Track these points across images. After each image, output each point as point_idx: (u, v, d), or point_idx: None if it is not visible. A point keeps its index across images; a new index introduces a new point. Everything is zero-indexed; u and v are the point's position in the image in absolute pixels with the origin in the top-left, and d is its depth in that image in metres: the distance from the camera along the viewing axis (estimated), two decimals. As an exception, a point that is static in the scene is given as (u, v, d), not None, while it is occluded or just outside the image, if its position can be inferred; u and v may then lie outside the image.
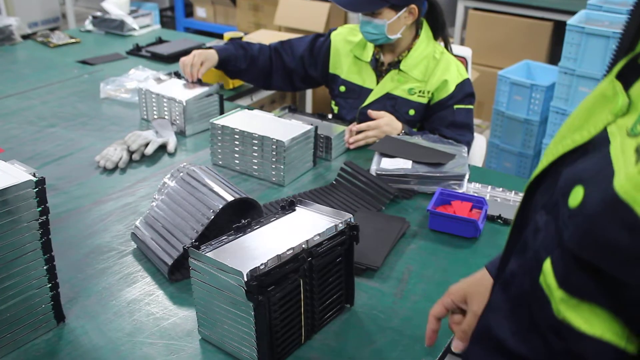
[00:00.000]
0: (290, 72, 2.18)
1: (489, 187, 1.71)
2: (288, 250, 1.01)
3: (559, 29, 4.07)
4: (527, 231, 0.69)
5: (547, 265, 0.59)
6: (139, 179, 1.68)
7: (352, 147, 1.92)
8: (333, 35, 2.13)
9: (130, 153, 1.78)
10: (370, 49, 2.04)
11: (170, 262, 1.23)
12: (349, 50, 2.08)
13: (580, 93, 3.07)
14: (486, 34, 4.12)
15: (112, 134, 1.96)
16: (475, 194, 1.66)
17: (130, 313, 1.16)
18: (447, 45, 2.07)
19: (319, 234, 1.06)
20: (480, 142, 2.37)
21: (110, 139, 1.88)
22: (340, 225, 1.11)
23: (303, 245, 1.04)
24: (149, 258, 1.31)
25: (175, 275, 1.27)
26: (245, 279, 0.94)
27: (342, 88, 2.11)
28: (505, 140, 3.55)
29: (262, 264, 0.96)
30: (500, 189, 1.69)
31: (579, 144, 0.60)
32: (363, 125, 1.91)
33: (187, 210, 1.29)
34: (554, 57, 4.15)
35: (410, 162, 1.70)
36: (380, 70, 2.05)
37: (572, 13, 3.32)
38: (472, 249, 1.44)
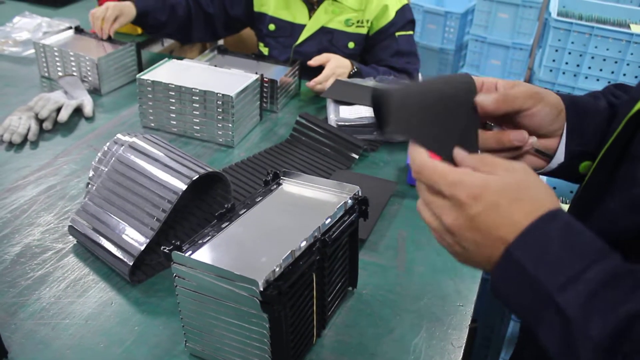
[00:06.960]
0: (210, 18, 1.90)
1: (456, 130, 1.57)
2: (301, 242, 0.81)
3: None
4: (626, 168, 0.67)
5: None
6: (58, 154, 1.38)
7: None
8: None
9: (40, 121, 1.46)
10: None
11: (130, 261, 0.99)
12: None
13: (500, 19, 3.00)
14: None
15: (10, 98, 1.61)
16: (442, 139, 1.52)
17: (92, 334, 0.92)
18: None
19: (329, 217, 0.87)
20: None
21: (9, 105, 1.54)
22: (349, 201, 0.92)
23: (316, 234, 0.84)
24: (98, 256, 1.06)
25: (137, 275, 1.03)
26: (261, 288, 0.74)
27: (272, 26, 1.88)
28: (420, 71, 3.45)
29: (276, 266, 0.76)
30: (469, 132, 1.56)
31: None
32: (320, 78, 1.67)
33: (138, 194, 1.05)
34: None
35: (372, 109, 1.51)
36: (311, 2, 1.84)
37: None
38: (460, 204, 1.30)
